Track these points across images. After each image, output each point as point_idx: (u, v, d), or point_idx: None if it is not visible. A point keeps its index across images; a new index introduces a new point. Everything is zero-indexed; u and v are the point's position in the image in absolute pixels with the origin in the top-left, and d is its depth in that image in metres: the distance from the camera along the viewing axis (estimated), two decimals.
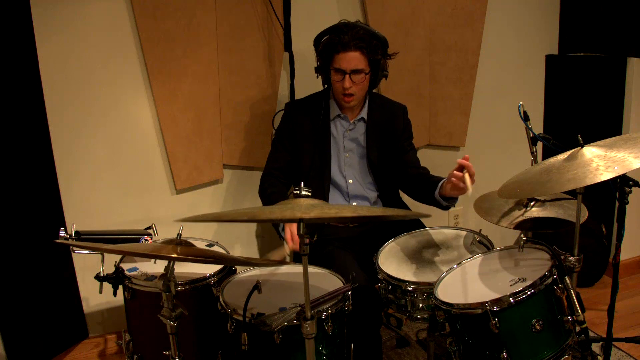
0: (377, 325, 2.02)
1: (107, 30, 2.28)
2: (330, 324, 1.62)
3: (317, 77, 2.19)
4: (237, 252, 2.71)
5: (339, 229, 2.18)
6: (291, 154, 2.21)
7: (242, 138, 2.56)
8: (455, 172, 1.88)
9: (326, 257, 2.01)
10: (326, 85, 2.21)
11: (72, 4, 2.21)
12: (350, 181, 2.23)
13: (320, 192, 2.19)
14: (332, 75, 2.08)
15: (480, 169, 3.00)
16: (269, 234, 2.76)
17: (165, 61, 2.35)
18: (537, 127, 3.10)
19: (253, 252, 2.74)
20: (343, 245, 2.12)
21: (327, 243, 2.11)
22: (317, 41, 2.13)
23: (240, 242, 2.72)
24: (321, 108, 2.18)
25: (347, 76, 2.03)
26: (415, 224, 2.23)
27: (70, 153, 2.33)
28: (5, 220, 2.19)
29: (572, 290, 1.56)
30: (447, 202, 2.04)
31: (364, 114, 2.21)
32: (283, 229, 2.01)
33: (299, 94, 2.53)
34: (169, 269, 1.52)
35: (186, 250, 1.51)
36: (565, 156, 1.65)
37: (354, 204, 2.24)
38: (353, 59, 2.02)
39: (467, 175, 1.84)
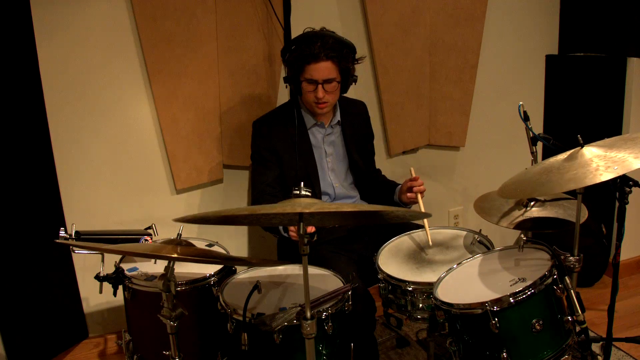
0: (371, 328, 2.02)
1: (107, 30, 2.28)
2: (330, 324, 1.62)
3: (286, 86, 2.17)
4: (237, 252, 2.71)
5: (335, 231, 2.18)
6: (278, 167, 2.18)
7: (242, 138, 2.56)
8: (408, 194, 2.10)
9: (321, 259, 2.00)
10: (291, 96, 2.20)
11: (72, 4, 2.21)
12: (337, 185, 2.25)
13: None
14: (304, 85, 2.06)
15: (480, 169, 3.05)
16: (269, 234, 2.75)
17: (165, 61, 2.35)
18: (537, 127, 3.09)
19: (253, 252, 2.74)
20: (341, 246, 2.12)
21: (323, 245, 2.11)
22: (285, 52, 2.10)
23: (240, 242, 2.72)
24: (294, 118, 2.16)
25: (320, 86, 2.02)
26: (415, 223, 2.23)
27: (70, 153, 2.33)
28: (5, 220, 2.19)
29: (572, 290, 1.56)
30: (406, 206, 2.18)
31: (338, 117, 2.23)
32: (285, 230, 2.01)
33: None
34: (169, 269, 1.52)
35: (186, 250, 1.52)
36: (565, 156, 1.65)
37: None
38: (325, 69, 2.01)
39: (419, 197, 2.06)
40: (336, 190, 2.25)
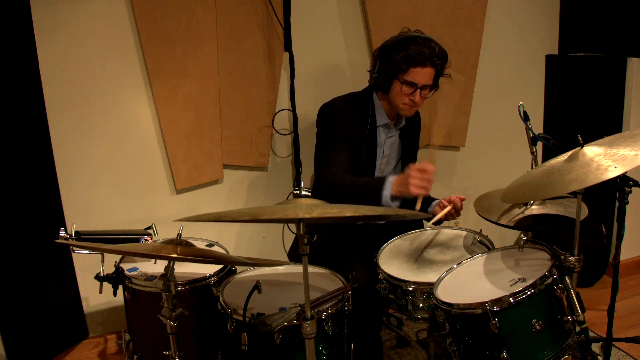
0: (377, 328, 2.02)
1: (107, 30, 2.28)
2: (330, 324, 1.62)
3: (370, 80, 2.12)
4: (237, 252, 2.71)
5: (347, 229, 2.17)
6: (350, 151, 2.11)
7: (242, 138, 2.56)
8: (443, 200, 2.07)
9: (330, 256, 2.01)
10: (365, 87, 2.17)
11: (72, 4, 2.21)
12: None
13: None
14: (401, 86, 2.02)
15: (480, 169, 3.05)
16: (269, 234, 2.76)
17: (165, 61, 2.35)
18: (537, 127, 3.09)
19: (253, 252, 2.74)
20: (348, 244, 2.12)
21: (331, 242, 2.11)
22: (389, 49, 2.03)
23: (240, 242, 2.72)
24: (368, 113, 2.13)
25: (418, 90, 2.01)
26: (416, 224, 2.23)
27: (70, 153, 2.33)
28: (5, 220, 2.19)
29: (572, 290, 1.56)
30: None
31: (404, 122, 2.21)
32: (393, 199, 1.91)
33: (299, 94, 2.53)
34: (169, 269, 1.52)
35: (186, 250, 1.51)
36: (566, 157, 1.65)
37: None
38: (428, 75, 2.00)
39: (443, 212, 2.01)
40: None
